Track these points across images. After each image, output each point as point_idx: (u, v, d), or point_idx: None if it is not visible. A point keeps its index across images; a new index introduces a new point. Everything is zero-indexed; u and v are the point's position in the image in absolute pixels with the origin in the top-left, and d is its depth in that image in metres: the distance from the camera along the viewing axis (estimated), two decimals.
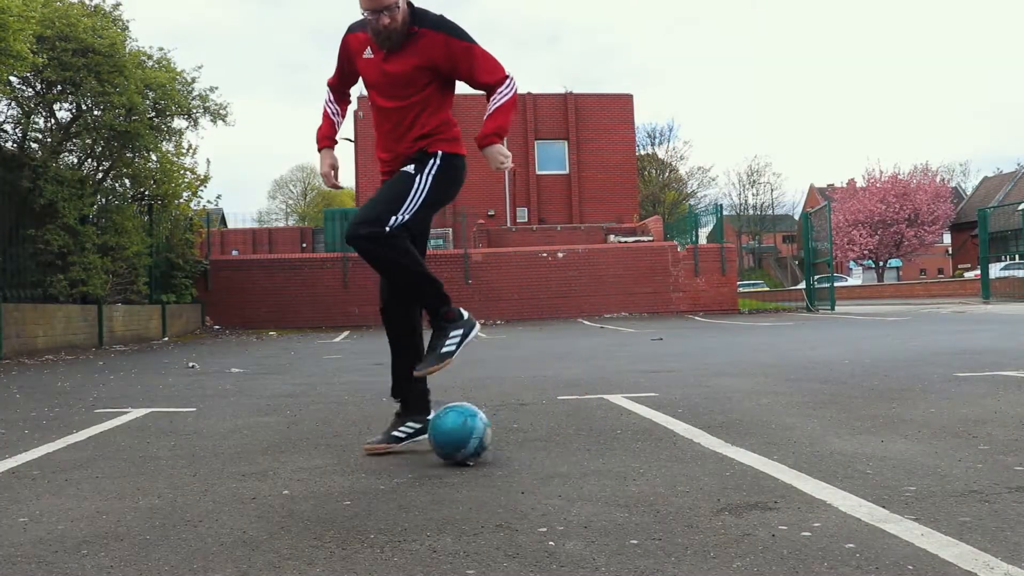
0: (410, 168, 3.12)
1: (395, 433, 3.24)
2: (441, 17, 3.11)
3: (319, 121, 3.48)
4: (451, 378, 6.12)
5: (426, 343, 3.21)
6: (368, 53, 3.17)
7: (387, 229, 3.02)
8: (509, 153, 3.14)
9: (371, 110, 3.28)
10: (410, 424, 3.26)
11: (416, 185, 3.09)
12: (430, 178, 3.11)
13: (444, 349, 3.09)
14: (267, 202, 73.73)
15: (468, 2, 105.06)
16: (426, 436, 3.11)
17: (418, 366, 3.12)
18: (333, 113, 3.47)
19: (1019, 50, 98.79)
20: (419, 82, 3.10)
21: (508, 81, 3.12)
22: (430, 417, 3.15)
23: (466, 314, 3.18)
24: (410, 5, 3.09)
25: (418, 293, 3.17)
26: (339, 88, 3.47)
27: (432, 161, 3.14)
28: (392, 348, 3.35)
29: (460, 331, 3.12)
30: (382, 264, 3.12)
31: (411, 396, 3.30)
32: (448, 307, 3.13)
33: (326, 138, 3.43)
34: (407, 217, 3.05)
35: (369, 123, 24.04)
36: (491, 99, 3.11)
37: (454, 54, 3.07)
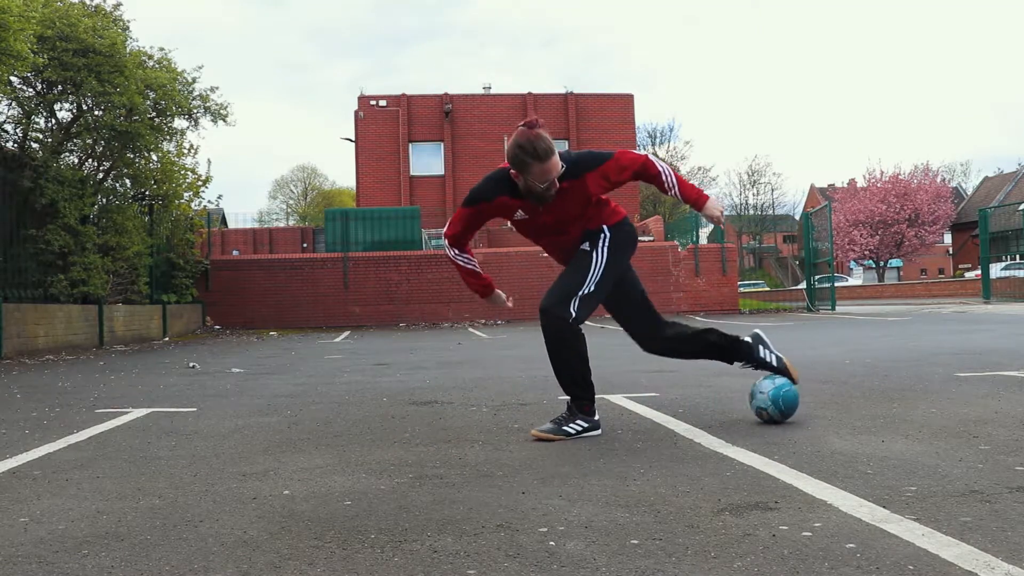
0: (586, 246, 3.47)
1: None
2: (577, 158, 3.34)
3: (468, 279, 3.64)
4: (451, 378, 6.12)
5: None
6: (520, 215, 3.41)
7: (571, 312, 3.35)
8: (721, 205, 3.54)
9: (533, 234, 3.56)
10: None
11: (594, 260, 3.44)
12: (605, 250, 3.46)
13: (566, 427, 3.39)
14: (267, 202, 73.86)
15: (468, 2, 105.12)
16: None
17: (540, 428, 3.44)
18: (466, 263, 3.59)
19: (1019, 50, 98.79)
20: (585, 210, 3.42)
21: (650, 160, 3.43)
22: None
23: (598, 418, 3.49)
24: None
25: (562, 377, 3.45)
26: (462, 244, 3.58)
27: (603, 237, 3.46)
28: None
29: (586, 425, 3.42)
30: (553, 343, 3.41)
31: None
32: (590, 402, 3.44)
33: (488, 285, 3.66)
34: (591, 289, 3.39)
35: (370, 124, 23.92)
36: (664, 179, 3.43)
37: (607, 178, 3.36)
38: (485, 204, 3.40)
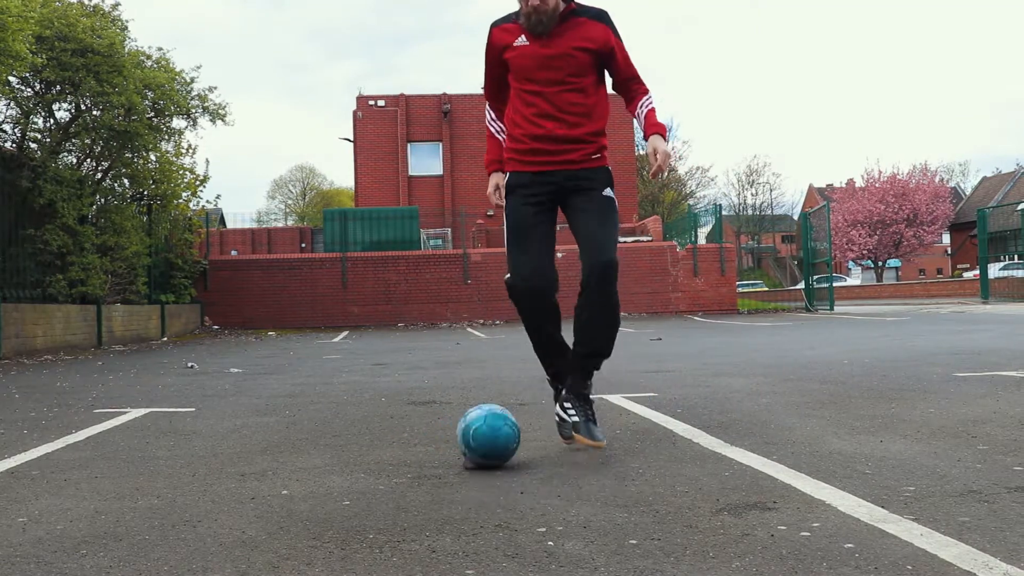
0: (610, 192, 3.19)
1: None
2: (603, 10, 3.18)
3: (487, 145, 3.43)
4: (451, 378, 6.12)
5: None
6: (522, 40, 3.12)
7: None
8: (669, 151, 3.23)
9: (515, 96, 3.18)
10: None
11: (617, 212, 3.23)
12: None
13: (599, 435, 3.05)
14: (266, 202, 73.81)
15: (468, 2, 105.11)
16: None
17: (589, 435, 3.01)
18: (497, 132, 3.38)
19: (1018, 50, 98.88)
20: (583, 66, 3.10)
21: (649, 91, 3.26)
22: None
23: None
24: None
25: (612, 339, 3.28)
26: (498, 97, 3.34)
27: (612, 181, 3.22)
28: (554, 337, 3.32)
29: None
30: (611, 297, 3.16)
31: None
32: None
33: (494, 162, 3.37)
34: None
35: (369, 123, 23.93)
36: (642, 99, 3.21)
37: (611, 45, 3.14)
38: (495, 29, 3.18)
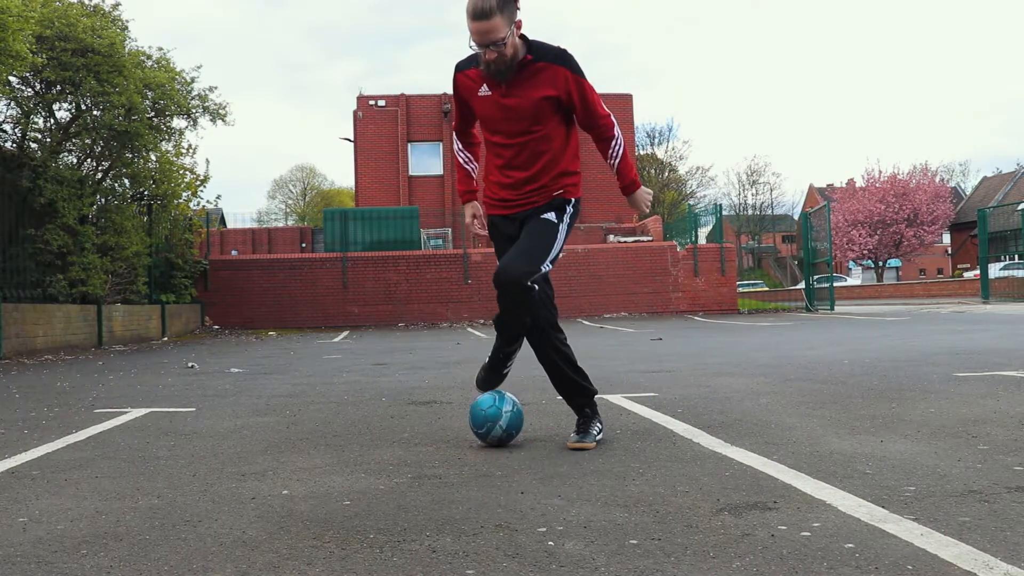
0: (551, 216, 3.20)
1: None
2: (562, 50, 3.15)
3: (457, 175, 3.52)
4: (450, 378, 6.12)
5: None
6: (484, 90, 3.16)
7: (532, 285, 3.15)
8: (651, 192, 3.35)
9: (486, 147, 3.31)
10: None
11: (558, 234, 3.21)
12: (567, 228, 3.25)
13: (597, 436, 3.27)
14: (266, 202, 73.83)
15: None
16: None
17: (579, 440, 3.22)
18: (465, 162, 3.47)
19: (1018, 50, 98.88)
20: (545, 114, 3.13)
21: (615, 126, 3.24)
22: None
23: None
24: (524, 38, 3.09)
25: (570, 381, 3.36)
26: (465, 131, 3.44)
27: (569, 209, 3.25)
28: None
29: (600, 427, 3.32)
30: (514, 311, 3.25)
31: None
32: (593, 403, 3.35)
33: (467, 192, 3.47)
34: (548, 266, 3.20)
35: (369, 123, 23.93)
36: (611, 148, 3.24)
37: (571, 89, 3.12)
38: (459, 75, 3.23)
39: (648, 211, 3.40)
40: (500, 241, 3.36)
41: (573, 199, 3.26)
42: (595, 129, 3.21)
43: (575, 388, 3.35)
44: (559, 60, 3.10)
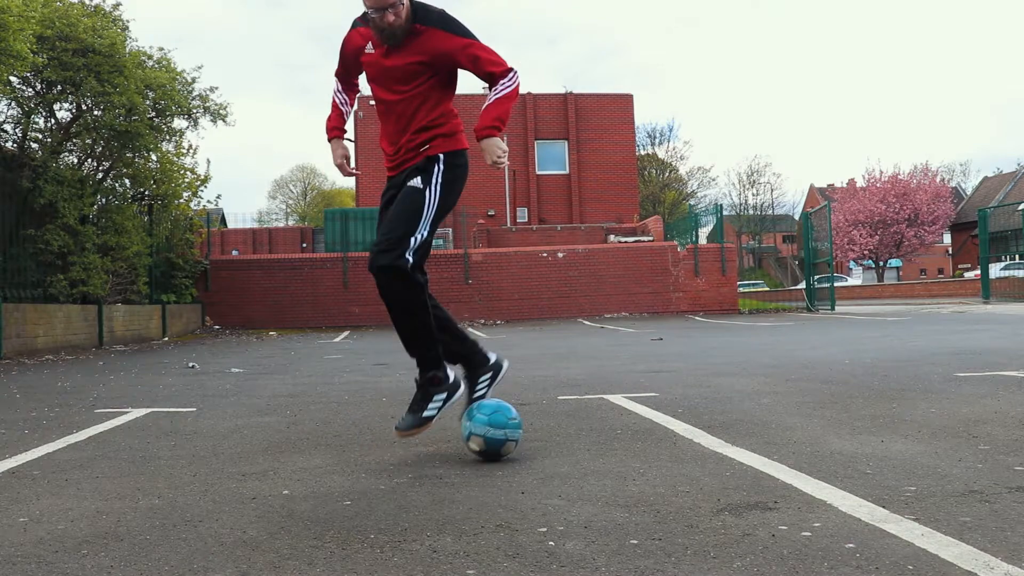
0: (417, 182, 3.12)
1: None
2: (442, 13, 3.11)
3: (328, 111, 3.47)
4: None
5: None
6: (369, 48, 3.17)
7: (408, 258, 3.02)
8: (507, 148, 3.12)
9: (375, 103, 3.28)
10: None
11: (427, 200, 3.10)
12: (438, 188, 3.13)
13: (425, 413, 3.13)
14: (267, 202, 73.92)
15: (469, 2, 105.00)
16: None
17: (398, 425, 3.15)
18: (341, 103, 3.46)
19: (1018, 50, 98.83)
20: (419, 77, 3.11)
21: (511, 73, 3.11)
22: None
23: (452, 376, 3.21)
24: (412, 1, 3.08)
25: (415, 344, 3.17)
26: (345, 78, 3.46)
27: (436, 169, 3.14)
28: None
29: (444, 395, 3.16)
30: (397, 304, 3.10)
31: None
32: (438, 371, 3.16)
33: (335, 128, 3.43)
34: (424, 234, 3.09)
35: (370, 123, 23.98)
36: (492, 89, 3.11)
37: (454, 51, 3.08)
38: (351, 31, 3.24)
39: (497, 164, 3.10)
40: (382, 203, 3.28)
41: (442, 154, 3.15)
42: (489, 79, 3.10)
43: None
44: (439, 23, 3.07)
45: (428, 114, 3.15)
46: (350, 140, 31.11)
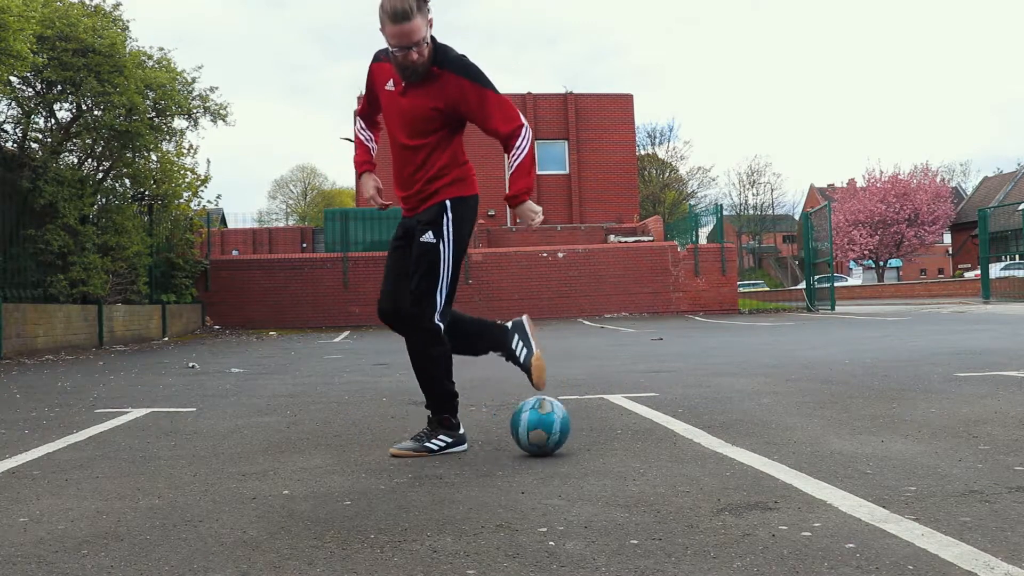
0: (430, 237, 3.14)
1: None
2: (462, 58, 3.09)
3: (356, 150, 3.50)
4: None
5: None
6: (390, 85, 3.17)
7: (439, 324, 3.13)
8: (539, 208, 3.16)
9: (390, 140, 3.27)
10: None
11: (443, 255, 3.15)
12: (451, 238, 3.16)
13: (428, 444, 3.17)
14: (267, 202, 73.93)
15: (469, 2, 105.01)
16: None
17: (396, 445, 3.20)
18: (366, 140, 3.46)
19: (1018, 50, 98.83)
20: (434, 123, 3.11)
21: (523, 133, 3.11)
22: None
23: (462, 430, 3.26)
24: (433, 40, 3.06)
25: (433, 390, 3.23)
26: (369, 116, 3.46)
27: (445, 219, 3.15)
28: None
29: (450, 440, 3.20)
30: (422, 357, 3.19)
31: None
32: (452, 417, 3.22)
33: (365, 163, 3.44)
34: (445, 290, 3.15)
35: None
36: (509, 155, 3.12)
37: (469, 99, 3.07)
38: (374, 64, 3.24)
39: (531, 224, 3.17)
40: (392, 246, 3.34)
41: (448, 201, 3.15)
42: (497, 138, 3.12)
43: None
44: (455, 68, 3.06)
45: (438, 162, 3.16)
46: (349, 140, 31.11)
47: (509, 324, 3.35)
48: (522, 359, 3.26)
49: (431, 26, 3.01)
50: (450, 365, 3.24)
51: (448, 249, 3.15)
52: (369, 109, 3.42)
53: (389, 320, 3.29)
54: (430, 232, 3.14)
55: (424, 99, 3.08)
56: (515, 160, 3.11)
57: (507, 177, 3.18)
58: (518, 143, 3.10)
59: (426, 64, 3.03)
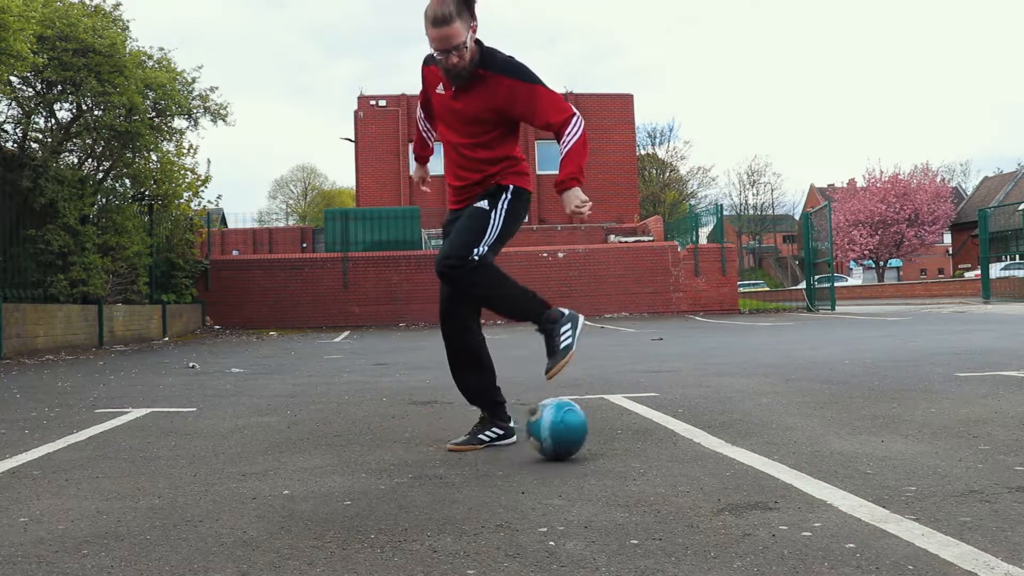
0: (484, 204, 3.20)
1: (481, 437, 3.27)
2: (509, 59, 3.13)
3: (415, 141, 3.75)
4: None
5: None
6: (440, 89, 3.23)
7: (475, 258, 3.11)
8: (586, 198, 3.11)
9: (441, 142, 3.37)
10: (494, 430, 3.29)
11: (492, 220, 3.18)
12: (504, 213, 3.20)
13: (563, 345, 3.12)
14: (267, 202, 73.86)
15: None
16: (511, 440, 3.30)
17: (548, 366, 3.12)
18: (424, 130, 3.66)
19: (1018, 50, 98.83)
20: (486, 123, 3.16)
21: (575, 120, 3.13)
22: (514, 425, 3.33)
23: (566, 311, 3.21)
24: (479, 44, 3.10)
25: (517, 310, 3.23)
26: (428, 108, 3.54)
27: (504, 195, 3.21)
28: (460, 360, 3.44)
29: (568, 325, 3.16)
30: (477, 292, 3.21)
31: (490, 405, 3.35)
32: (548, 311, 3.19)
33: (422, 156, 3.73)
34: (486, 249, 3.15)
35: (370, 123, 24.04)
36: (561, 141, 3.12)
37: (519, 98, 3.10)
38: (425, 68, 3.32)
39: (577, 213, 3.14)
40: (445, 231, 3.42)
41: (511, 186, 3.22)
42: (550, 130, 3.14)
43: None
44: (505, 70, 3.09)
45: (494, 155, 3.23)
46: (350, 140, 31.18)
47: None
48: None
49: (475, 31, 3.04)
50: (508, 280, 3.19)
51: (498, 220, 3.18)
52: (426, 103, 3.54)
53: (440, 269, 3.19)
54: (485, 201, 3.21)
55: (475, 102, 3.14)
56: (566, 146, 3.11)
57: (559, 163, 3.16)
58: (569, 129, 3.12)
59: (468, 68, 3.06)
